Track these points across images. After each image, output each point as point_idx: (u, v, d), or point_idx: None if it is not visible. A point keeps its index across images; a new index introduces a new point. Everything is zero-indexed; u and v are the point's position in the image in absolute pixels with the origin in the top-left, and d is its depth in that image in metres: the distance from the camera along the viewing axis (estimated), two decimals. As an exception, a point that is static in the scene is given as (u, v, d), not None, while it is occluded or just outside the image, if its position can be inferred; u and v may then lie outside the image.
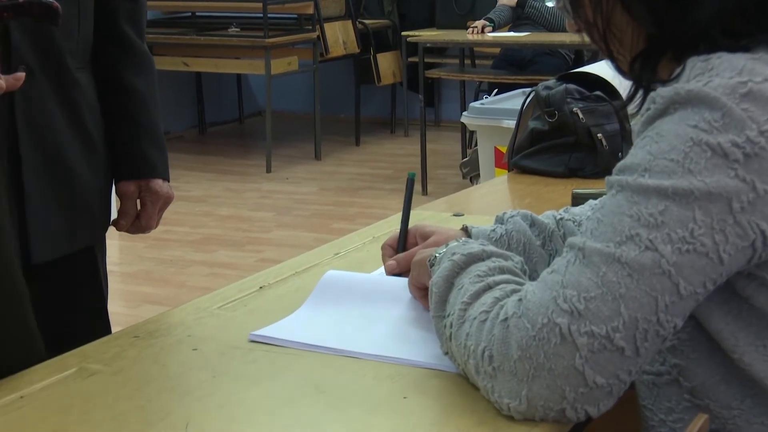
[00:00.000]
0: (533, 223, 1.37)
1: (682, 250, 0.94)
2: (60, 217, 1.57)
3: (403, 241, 1.43)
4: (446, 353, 1.11)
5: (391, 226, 1.72)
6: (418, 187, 5.89)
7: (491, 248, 1.15)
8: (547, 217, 1.39)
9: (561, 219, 1.38)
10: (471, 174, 5.26)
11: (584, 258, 0.98)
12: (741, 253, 0.96)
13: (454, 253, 1.15)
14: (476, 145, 5.54)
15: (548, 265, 1.31)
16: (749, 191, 0.94)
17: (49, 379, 1.14)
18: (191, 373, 1.15)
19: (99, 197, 1.65)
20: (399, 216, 1.80)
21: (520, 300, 1.01)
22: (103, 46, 1.65)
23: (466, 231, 1.37)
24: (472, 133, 5.00)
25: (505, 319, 1.00)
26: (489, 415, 1.02)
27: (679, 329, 0.99)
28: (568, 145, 2.16)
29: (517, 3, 6.14)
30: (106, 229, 1.71)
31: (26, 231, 1.52)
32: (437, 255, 1.18)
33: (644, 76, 1.07)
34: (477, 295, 1.07)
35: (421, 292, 1.26)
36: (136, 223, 1.70)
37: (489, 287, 1.07)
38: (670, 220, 0.95)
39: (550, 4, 6.08)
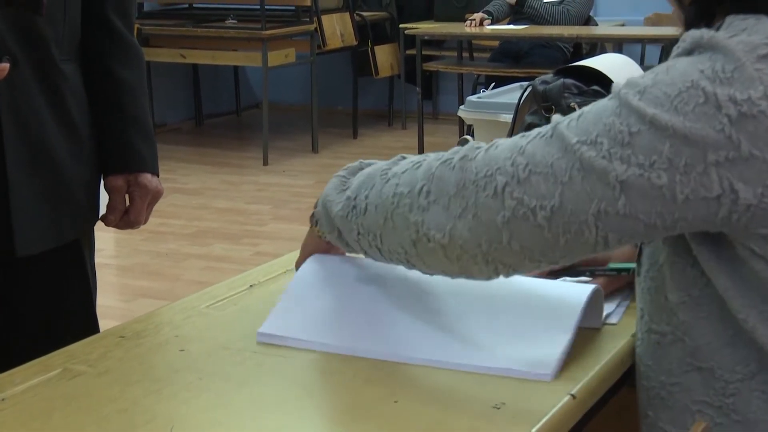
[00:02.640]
0: None
1: (636, 174, 0.96)
2: (45, 209, 1.54)
3: None
4: (358, 235, 1.13)
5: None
6: (415, 180, 5.87)
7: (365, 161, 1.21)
8: None
9: None
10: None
11: (551, 137, 1.01)
12: (702, 202, 0.96)
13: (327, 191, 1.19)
14: (461, 136, 5.53)
15: None
16: (731, 149, 0.94)
17: (32, 380, 1.11)
18: (178, 375, 1.13)
19: (85, 190, 1.63)
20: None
21: (478, 148, 1.05)
22: (91, 37, 1.63)
23: None
24: (470, 126, 4.97)
25: (449, 160, 1.05)
26: (482, 421, 1.00)
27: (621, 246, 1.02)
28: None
29: (517, 2, 6.13)
30: (93, 223, 1.69)
31: (10, 223, 1.50)
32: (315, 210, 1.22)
33: (697, 24, 1.06)
34: (394, 163, 1.13)
35: None
36: (125, 218, 1.68)
37: (404, 157, 1.13)
38: (638, 144, 0.96)
39: (548, 0, 6.07)
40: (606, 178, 0.96)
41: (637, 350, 1.15)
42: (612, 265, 1.32)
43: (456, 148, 1.07)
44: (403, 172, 1.09)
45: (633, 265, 1.26)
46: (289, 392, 1.08)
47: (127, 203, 1.68)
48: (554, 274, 1.32)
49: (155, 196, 1.70)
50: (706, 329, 1.05)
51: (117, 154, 1.66)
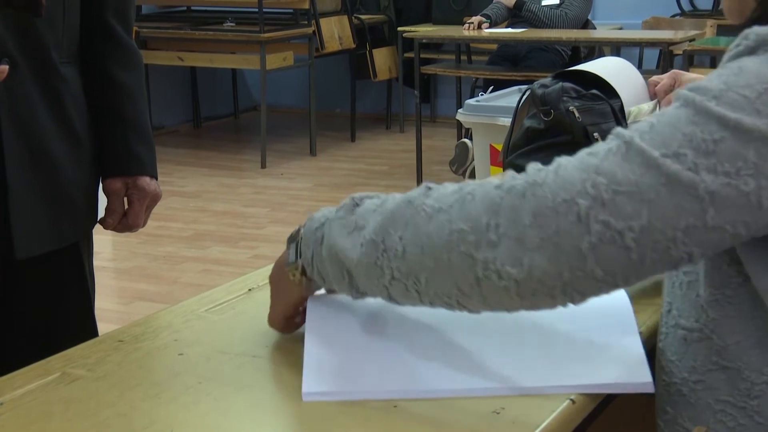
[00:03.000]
0: None
1: (723, 183, 0.93)
2: (44, 212, 1.54)
3: None
4: (391, 279, 1.02)
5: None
6: (412, 183, 5.87)
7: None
8: None
9: None
10: (460, 170, 5.25)
11: (627, 152, 0.95)
12: None
13: (321, 224, 1.11)
14: (459, 139, 5.52)
15: None
16: None
17: (30, 384, 1.11)
18: (177, 379, 1.12)
19: (84, 193, 1.62)
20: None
21: (540, 171, 0.97)
22: (90, 41, 1.63)
23: None
24: (468, 129, 4.97)
25: (513, 189, 0.97)
26: (482, 426, 1.00)
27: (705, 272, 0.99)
28: (564, 144, 2.13)
29: (515, 5, 6.13)
30: (92, 226, 1.69)
31: (9, 225, 1.50)
32: (296, 240, 1.14)
33: (761, 20, 1.03)
34: (426, 194, 1.02)
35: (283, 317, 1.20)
36: (124, 221, 1.68)
37: (429, 188, 1.04)
38: (723, 151, 0.93)
39: (546, 3, 6.07)
40: (695, 191, 0.93)
41: (660, 344, 1.13)
42: None
43: (509, 175, 0.99)
44: (451, 207, 0.99)
45: None
46: (288, 396, 1.08)
47: (126, 206, 1.68)
48: None
49: (154, 199, 1.70)
50: (736, 329, 1.04)
51: (115, 157, 1.65)
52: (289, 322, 1.21)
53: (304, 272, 1.14)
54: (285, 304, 1.20)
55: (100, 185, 1.68)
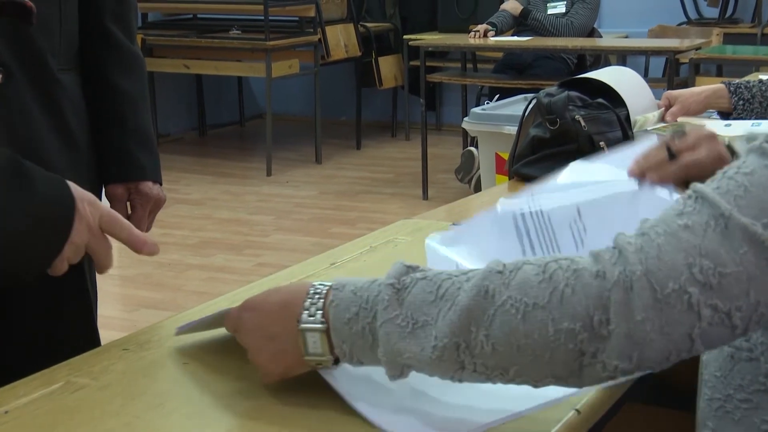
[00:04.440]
0: None
1: None
2: None
3: None
4: (473, 372, 0.95)
5: (390, 235, 1.70)
6: (418, 191, 5.87)
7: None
8: None
9: None
10: (466, 178, 5.25)
11: (726, 228, 0.92)
12: None
13: (377, 292, 0.99)
14: (464, 148, 5.53)
15: None
16: None
17: (34, 393, 1.11)
18: (181, 389, 1.12)
19: None
20: (399, 223, 1.78)
21: (639, 252, 0.92)
22: (89, 47, 1.62)
23: None
24: (474, 137, 4.97)
25: (624, 278, 0.91)
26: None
27: None
28: (570, 153, 2.13)
29: (521, 14, 6.14)
30: None
31: None
32: (312, 312, 1.01)
33: None
34: (504, 286, 0.94)
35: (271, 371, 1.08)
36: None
37: (500, 272, 0.95)
38: None
39: (552, 12, 6.08)
40: None
41: (704, 357, 1.12)
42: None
43: (606, 257, 0.93)
44: (548, 302, 0.92)
45: None
46: (293, 405, 1.07)
47: (129, 212, 1.68)
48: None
49: (157, 203, 1.69)
50: None
51: (116, 163, 1.65)
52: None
53: (336, 361, 1.04)
54: (287, 372, 1.08)
55: (103, 192, 1.68)
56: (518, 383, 0.96)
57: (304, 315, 1.02)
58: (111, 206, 1.65)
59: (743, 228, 0.91)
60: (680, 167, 1.29)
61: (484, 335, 0.93)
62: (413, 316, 0.96)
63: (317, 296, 1.02)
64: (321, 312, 1.01)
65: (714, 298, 0.90)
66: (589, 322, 0.91)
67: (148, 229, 1.70)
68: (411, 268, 0.99)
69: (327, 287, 1.03)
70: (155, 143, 1.71)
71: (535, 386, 0.96)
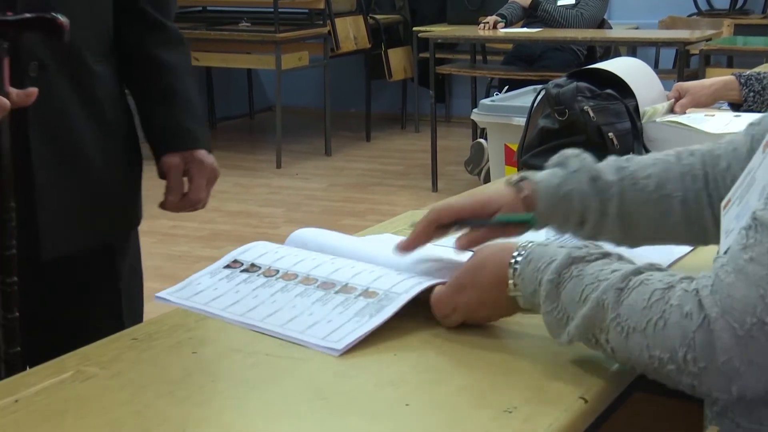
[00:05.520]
0: (596, 178, 1.32)
1: None
2: (74, 212, 1.54)
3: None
4: (569, 341, 1.09)
5: (399, 226, 1.70)
6: (428, 183, 5.87)
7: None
8: (610, 172, 1.33)
9: (622, 179, 1.33)
10: (475, 170, 5.25)
11: None
12: None
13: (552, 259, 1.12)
14: (474, 139, 5.53)
15: (594, 225, 1.31)
16: None
17: (45, 382, 1.11)
18: (190, 378, 1.12)
19: (121, 193, 1.62)
20: (408, 213, 1.78)
21: (713, 294, 0.97)
22: (129, 30, 1.62)
23: (525, 183, 1.33)
24: (483, 129, 4.97)
25: (704, 320, 0.97)
26: (494, 424, 1.00)
27: None
28: (579, 144, 2.12)
29: (530, 5, 6.12)
30: (131, 227, 1.68)
31: (36, 226, 1.50)
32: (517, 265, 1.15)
33: None
34: (617, 303, 1.04)
35: (448, 312, 1.22)
36: (186, 198, 1.64)
37: (621, 289, 1.04)
38: None
39: (562, 3, 6.06)
40: None
41: None
42: (499, 217, 1.31)
43: (691, 289, 0.99)
44: (644, 329, 1.01)
45: (520, 217, 1.29)
46: (301, 395, 1.08)
47: (185, 185, 1.65)
48: (444, 228, 1.32)
49: (212, 173, 1.67)
50: None
51: (169, 134, 1.62)
52: None
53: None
54: (494, 315, 1.22)
55: (137, 193, 1.68)
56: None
57: (510, 286, 1.17)
58: (168, 178, 1.63)
59: None
60: None
61: (605, 339, 1.05)
62: (564, 310, 1.09)
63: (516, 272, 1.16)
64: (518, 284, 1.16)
65: None
66: (675, 356, 0.98)
67: (206, 200, 1.67)
68: (575, 260, 1.10)
69: (519, 265, 1.16)
70: (204, 115, 1.69)
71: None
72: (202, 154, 1.64)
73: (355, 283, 1.30)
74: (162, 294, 1.35)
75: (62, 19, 1.33)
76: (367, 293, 1.27)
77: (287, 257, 1.41)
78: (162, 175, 1.64)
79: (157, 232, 4.82)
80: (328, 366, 1.14)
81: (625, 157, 1.37)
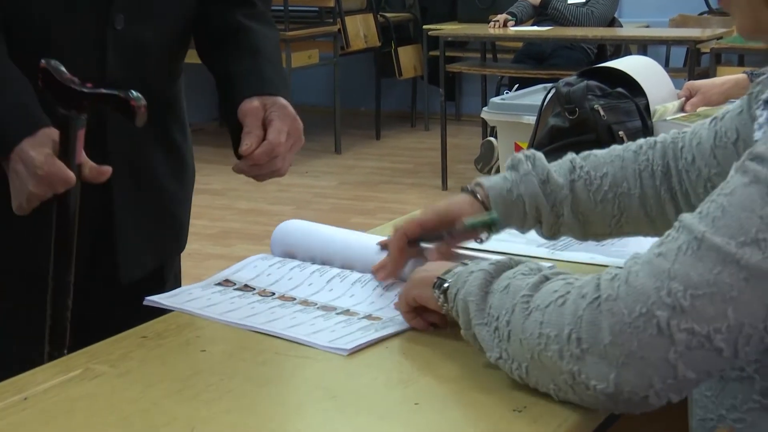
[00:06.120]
0: (547, 180, 1.33)
1: None
2: (147, 236, 1.58)
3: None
4: (498, 358, 1.05)
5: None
6: (437, 181, 5.87)
7: (516, 258, 1.13)
8: (561, 173, 1.34)
9: (574, 180, 1.33)
10: (485, 168, 5.24)
11: (699, 249, 0.92)
12: None
13: (473, 270, 1.12)
14: (484, 138, 5.52)
15: (551, 226, 1.33)
16: None
17: (53, 380, 1.12)
18: (199, 376, 1.12)
19: (183, 210, 1.65)
20: (418, 212, 1.77)
21: (614, 279, 0.95)
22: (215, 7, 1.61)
23: (478, 189, 1.34)
24: (493, 127, 4.96)
25: (596, 300, 0.95)
26: (503, 424, 1.00)
27: None
28: (589, 143, 2.12)
29: (541, 3, 6.12)
30: (184, 244, 1.73)
31: (116, 252, 1.54)
32: (446, 279, 1.15)
33: None
34: (536, 287, 1.03)
35: (409, 308, 1.22)
36: (265, 144, 1.45)
37: (547, 278, 1.04)
38: None
39: (572, 1, 6.05)
40: None
41: None
42: (468, 221, 1.32)
43: (593, 278, 0.98)
44: (547, 306, 1.00)
45: (485, 219, 1.30)
46: (310, 394, 1.08)
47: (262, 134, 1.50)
48: (414, 243, 1.35)
49: (295, 125, 1.50)
50: None
51: (251, 80, 1.52)
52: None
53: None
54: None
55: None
56: (541, 389, 1.02)
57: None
58: (245, 120, 1.48)
59: (716, 248, 0.91)
60: None
61: (506, 320, 1.03)
62: (494, 289, 1.08)
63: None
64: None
65: (688, 322, 0.90)
66: (561, 334, 0.96)
67: (285, 170, 1.52)
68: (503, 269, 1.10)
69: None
70: (288, 78, 1.63)
71: (557, 397, 1.01)
72: (284, 101, 1.50)
73: (358, 310, 1.30)
74: (153, 298, 1.34)
75: (137, 101, 1.28)
76: (370, 318, 1.27)
77: (282, 281, 1.41)
78: (241, 118, 1.48)
79: (167, 230, 4.83)
80: (338, 365, 1.14)
81: (584, 153, 1.36)
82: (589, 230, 1.35)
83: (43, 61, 1.32)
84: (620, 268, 0.98)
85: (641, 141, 1.35)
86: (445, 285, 1.14)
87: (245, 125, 1.47)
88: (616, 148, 1.36)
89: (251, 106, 1.47)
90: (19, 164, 1.33)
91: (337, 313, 1.28)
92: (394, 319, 1.26)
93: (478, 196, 1.34)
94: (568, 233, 1.35)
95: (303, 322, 1.25)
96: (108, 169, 1.37)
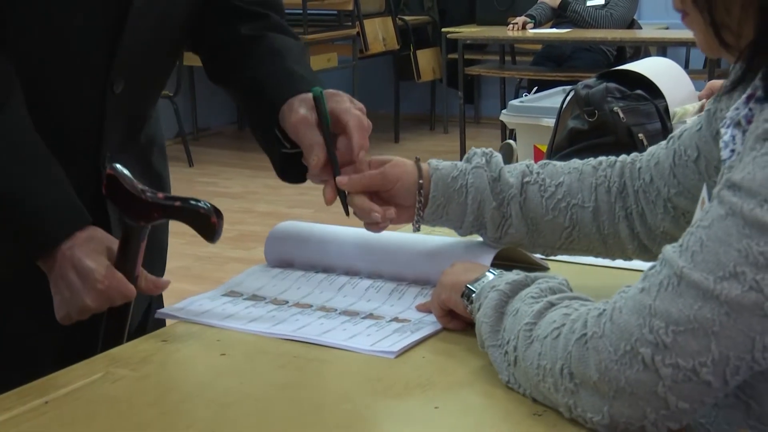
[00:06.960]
0: (498, 178, 1.33)
1: None
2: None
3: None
4: (507, 381, 1.07)
5: (428, 228, 1.69)
6: (456, 184, 5.86)
7: (533, 274, 1.13)
8: (514, 174, 1.33)
9: (527, 182, 1.32)
10: (505, 172, 5.23)
11: (679, 285, 0.91)
12: None
13: (493, 286, 1.12)
14: (503, 140, 5.51)
15: (497, 227, 1.33)
16: None
17: (74, 384, 1.12)
18: (219, 380, 1.13)
19: (164, 235, 1.68)
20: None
21: (600, 316, 0.96)
22: (219, 22, 1.51)
23: (426, 166, 1.36)
24: (512, 130, 4.95)
25: (582, 337, 0.96)
26: (522, 428, 0.99)
27: None
28: (608, 145, 2.12)
29: (560, 5, 6.11)
30: (163, 271, 1.74)
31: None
32: (474, 290, 1.16)
33: (758, 63, 0.96)
34: (540, 314, 1.04)
35: (443, 312, 1.24)
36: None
37: (552, 304, 1.05)
38: None
39: (591, 3, 6.04)
40: (761, 310, 0.88)
41: None
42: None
43: (585, 312, 0.99)
44: (545, 338, 1.01)
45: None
46: (329, 397, 1.08)
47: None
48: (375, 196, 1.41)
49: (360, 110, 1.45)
50: None
51: (284, 82, 1.42)
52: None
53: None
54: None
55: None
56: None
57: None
58: (299, 134, 1.41)
59: (695, 284, 0.90)
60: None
61: (513, 346, 1.05)
62: (508, 311, 1.10)
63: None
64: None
65: (672, 357, 0.91)
66: (555, 367, 0.98)
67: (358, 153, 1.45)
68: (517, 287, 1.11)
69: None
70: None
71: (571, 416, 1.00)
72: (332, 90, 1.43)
73: (381, 313, 1.30)
74: (165, 310, 1.34)
75: (217, 217, 1.24)
76: (398, 320, 1.27)
77: (291, 290, 1.40)
78: (290, 129, 1.40)
79: (187, 233, 4.79)
80: (357, 369, 1.14)
81: (543, 161, 1.36)
82: (537, 240, 1.33)
83: (108, 167, 1.23)
84: (608, 302, 0.98)
85: (602, 158, 1.34)
86: (473, 297, 1.16)
87: (300, 141, 1.41)
88: (576, 162, 1.35)
89: (299, 117, 1.38)
90: (72, 273, 1.21)
91: (362, 318, 1.28)
92: (423, 320, 1.26)
93: (422, 170, 1.35)
94: (515, 239, 1.33)
95: (333, 327, 1.25)
96: (166, 282, 1.32)
